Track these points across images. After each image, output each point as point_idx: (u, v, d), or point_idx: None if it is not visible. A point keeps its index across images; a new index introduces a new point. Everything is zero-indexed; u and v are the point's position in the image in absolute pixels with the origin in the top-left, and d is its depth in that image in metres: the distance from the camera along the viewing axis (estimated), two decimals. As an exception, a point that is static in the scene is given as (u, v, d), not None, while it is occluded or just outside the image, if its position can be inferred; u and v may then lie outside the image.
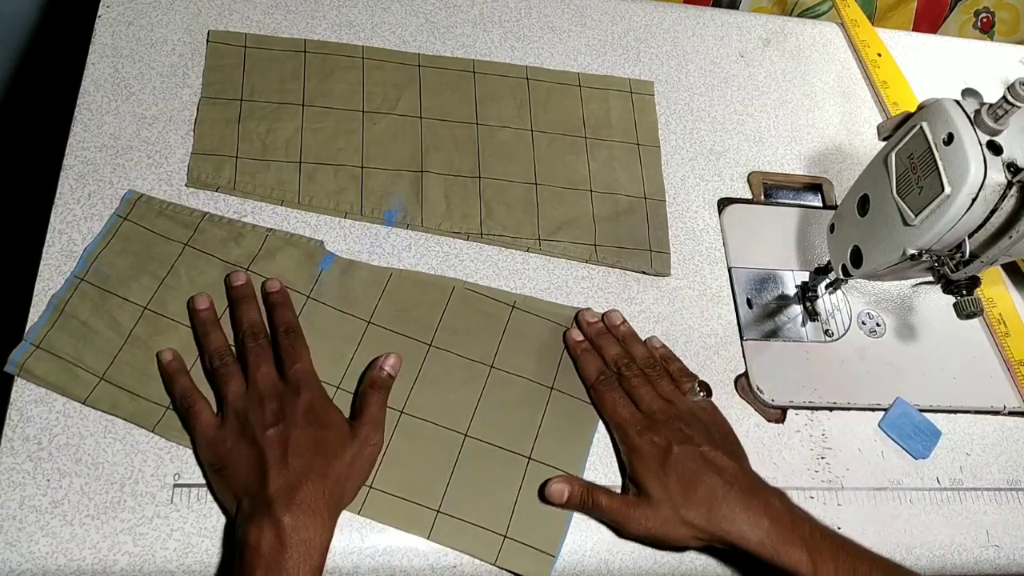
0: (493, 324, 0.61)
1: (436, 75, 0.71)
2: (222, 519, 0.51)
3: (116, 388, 0.53)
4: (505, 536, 0.54)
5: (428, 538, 0.53)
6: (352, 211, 0.63)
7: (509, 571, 0.53)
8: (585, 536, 0.55)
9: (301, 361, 0.54)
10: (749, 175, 0.73)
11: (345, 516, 0.52)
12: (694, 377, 0.61)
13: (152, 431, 0.52)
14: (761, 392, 0.62)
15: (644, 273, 0.66)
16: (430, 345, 0.59)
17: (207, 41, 0.67)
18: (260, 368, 0.53)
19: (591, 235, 0.67)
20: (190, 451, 0.52)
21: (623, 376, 0.59)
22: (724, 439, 0.57)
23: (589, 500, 0.55)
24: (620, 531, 0.56)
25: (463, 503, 0.54)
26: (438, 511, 0.54)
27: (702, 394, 0.59)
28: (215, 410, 0.53)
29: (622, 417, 0.57)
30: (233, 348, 0.56)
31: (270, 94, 0.66)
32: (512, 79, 0.73)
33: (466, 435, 0.56)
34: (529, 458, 0.57)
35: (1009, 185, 0.49)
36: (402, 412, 0.57)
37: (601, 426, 0.59)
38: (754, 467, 0.59)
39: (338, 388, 0.56)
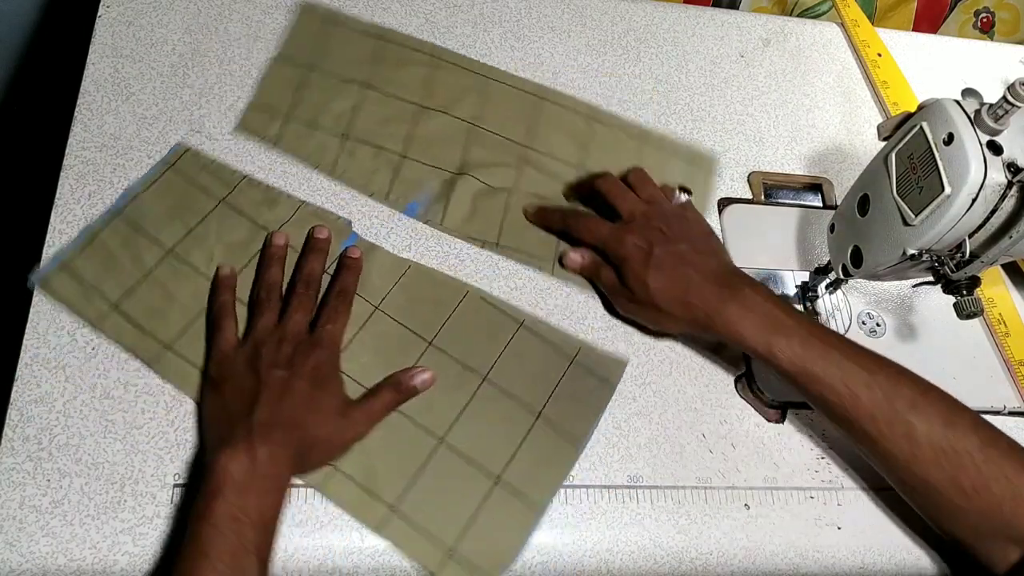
0: (496, 337, 0.60)
1: (503, 91, 0.71)
2: (222, 519, 0.51)
3: (125, 320, 0.55)
4: (451, 553, 0.52)
5: (375, 531, 0.52)
6: (378, 193, 0.64)
7: None
8: (585, 536, 0.55)
9: (335, 324, 0.56)
10: (749, 175, 0.73)
11: (346, 515, 0.52)
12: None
13: (150, 367, 0.54)
14: (761, 392, 0.62)
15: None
16: (429, 343, 0.59)
17: (299, 10, 0.70)
18: (295, 314, 0.55)
19: None
20: (190, 451, 0.52)
21: (601, 193, 0.63)
22: (706, 238, 0.61)
23: (598, 272, 0.61)
24: (615, 310, 0.62)
25: (419, 508, 0.53)
26: (393, 509, 0.53)
27: (683, 196, 0.63)
28: (239, 335, 0.55)
29: (603, 235, 0.61)
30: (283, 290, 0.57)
31: (339, 70, 0.68)
32: (579, 115, 0.72)
33: (442, 440, 0.55)
34: (497, 480, 0.54)
35: (1009, 185, 0.49)
36: None
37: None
38: (754, 467, 0.59)
39: None
